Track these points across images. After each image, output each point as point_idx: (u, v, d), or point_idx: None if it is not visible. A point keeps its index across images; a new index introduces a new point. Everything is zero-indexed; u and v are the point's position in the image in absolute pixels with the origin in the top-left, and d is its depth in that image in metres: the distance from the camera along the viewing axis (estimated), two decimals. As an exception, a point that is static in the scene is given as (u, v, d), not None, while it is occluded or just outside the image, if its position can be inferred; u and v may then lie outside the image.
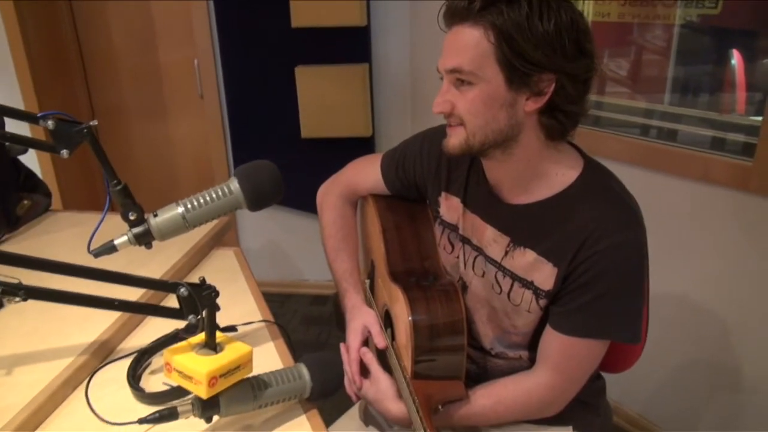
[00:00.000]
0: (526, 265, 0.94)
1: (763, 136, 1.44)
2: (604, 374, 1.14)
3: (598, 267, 0.88)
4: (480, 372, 1.07)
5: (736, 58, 1.65)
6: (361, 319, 1.12)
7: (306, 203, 2.56)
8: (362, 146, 2.50)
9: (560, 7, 0.82)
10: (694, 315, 1.70)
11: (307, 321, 2.70)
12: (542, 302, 0.94)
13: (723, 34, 1.68)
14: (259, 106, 2.59)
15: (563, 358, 0.94)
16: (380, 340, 1.06)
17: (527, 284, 0.95)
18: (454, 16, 0.87)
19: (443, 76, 0.90)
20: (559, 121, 0.88)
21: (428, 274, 1.07)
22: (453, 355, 0.95)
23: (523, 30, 0.81)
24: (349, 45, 2.40)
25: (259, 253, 2.87)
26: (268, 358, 1.01)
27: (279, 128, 2.56)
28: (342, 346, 1.11)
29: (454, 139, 0.92)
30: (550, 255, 0.91)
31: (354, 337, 1.10)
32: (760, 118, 1.51)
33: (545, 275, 0.92)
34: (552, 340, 0.94)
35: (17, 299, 0.69)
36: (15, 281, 0.71)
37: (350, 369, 1.07)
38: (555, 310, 0.93)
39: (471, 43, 0.84)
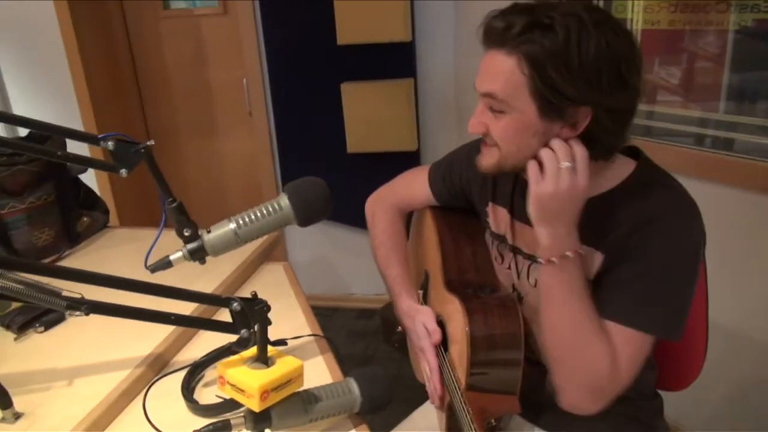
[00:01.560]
0: (585, 262, 0.91)
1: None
2: (662, 393, 1.10)
3: (647, 246, 0.85)
4: (532, 390, 1.04)
5: (795, 63, 1.59)
6: (420, 318, 1.11)
7: (352, 217, 2.60)
8: (408, 160, 2.50)
9: (602, 33, 0.79)
10: (758, 332, 1.62)
11: (353, 335, 2.71)
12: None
13: (781, 39, 1.61)
14: (306, 123, 2.63)
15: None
16: (436, 336, 1.06)
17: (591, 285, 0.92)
18: (490, 40, 0.85)
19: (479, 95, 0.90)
20: (595, 150, 0.86)
21: (485, 287, 1.06)
22: (509, 369, 0.93)
23: (557, 63, 0.79)
24: (394, 60, 2.42)
25: (306, 267, 2.90)
26: (318, 372, 1.02)
27: (325, 144, 2.60)
28: (416, 350, 1.10)
29: (487, 160, 0.92)
30: (600, 243, 0.89)
31: (424, 340, 1.08)
32: (824, 125, 1.44)
33: (596, 265, 0.90)
34: None
35: (80, 313, 0.72)
36: (78, 296, 0.74)
37: (433, 377, 1.05)
38: (596, 291, 0.90)
39: (505, 71, 0.83)
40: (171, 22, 2.81)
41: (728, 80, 1.72)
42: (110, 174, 2.71)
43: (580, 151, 0.84)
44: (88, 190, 1.65)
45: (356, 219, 2.63)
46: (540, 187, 0.85)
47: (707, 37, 1.75)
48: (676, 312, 0.89)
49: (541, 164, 0.85)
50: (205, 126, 2.95)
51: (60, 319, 1.16)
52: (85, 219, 1.57)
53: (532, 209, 0.87)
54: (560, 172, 0.83)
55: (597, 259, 0.90)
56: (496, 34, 0.84)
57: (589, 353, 0.86)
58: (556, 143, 0.84)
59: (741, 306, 1.63)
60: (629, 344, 0.87)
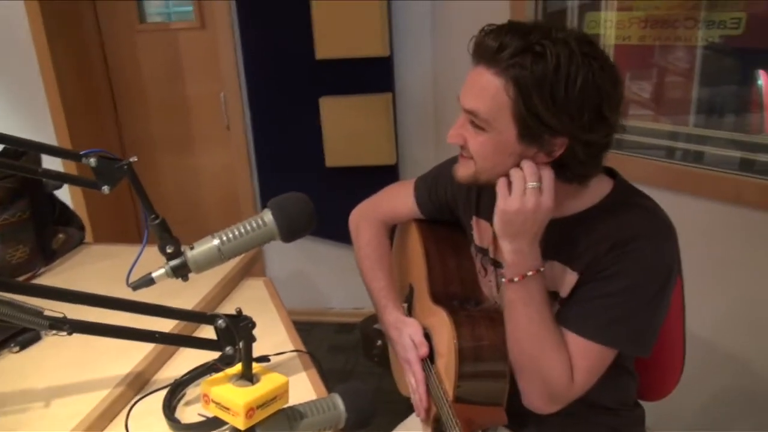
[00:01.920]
0: (552, 277, 0.94)
1: (796, 156, 1.43)
2: (643, 403, 1.12)
3: (619, 266, 0.88)
4: (516, 400, 1.05)
5: (762, 78, 1.64)
6: (407, 330, 1.11)
7: (331, 232, 2.59)
8: (387, 174, 2.51)
9: (590, 66, 0.81)
10: (731, 341, 1.66)
11: (333, 349, 2.70)
12: None
13: (747, 55, 1.67)
14: (285, 137, 2.63)
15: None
16: (423, 349, 1.07)
17: (553, 296, 0.95)
18: (481, 56, 0.87)
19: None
20: (566, 177, 0.90)
21: (470, 299, 1.07)
22: (496, 381, 0.94)
23: (543, 92, 0.81)
24: (373, 75, 2.44)
25: (285, 282, 2.88)
26: (302, 387, 1.01)
27: (304, 158, 2.60)
28: (402, 363, 1.11)
29: (463, 171, 0.95)
30: (574, 263, 0.92)
31: (411, 352, 1.09)
32: (790, 139, 1.49)
33: (568, 284, 0.93)
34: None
35: (63, 333, 0.71)
36: (60, 315, 0.73)
37: (419, 388, 1.06)
38: (565, 305, 0.94)
39: (491, 91, 0.85)
40: (147, 36, 2.79)
41: (697, 94, 1.77)
42: (84, 190, 2.69)
43: (547, 173, 0.87)
44: (64, 207, 1.62)
45: (335, 233, 2.63)
46: (506, 203, 0.88)
47: (677, 53, 1.80)
48: (641, 329, 0.92)
49: (509, 182, 0.88)
50: (182, 140, 2.93)
51: (36, 338, 1.14)
52: (61, 236, 1.55)
53: (497, 223, 0.91)
54: (526, 192, 0.86)
55: (571, 277, 0.93)
56: (488, 52, 0.85)
57: (546, 363, 0.91)
58: (526, 164, 0.87)
59: (712, 315, 1.66)
60: (587, 357, 0.91)
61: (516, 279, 0.91)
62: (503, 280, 0.93)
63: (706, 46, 1.70)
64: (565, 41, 0.81)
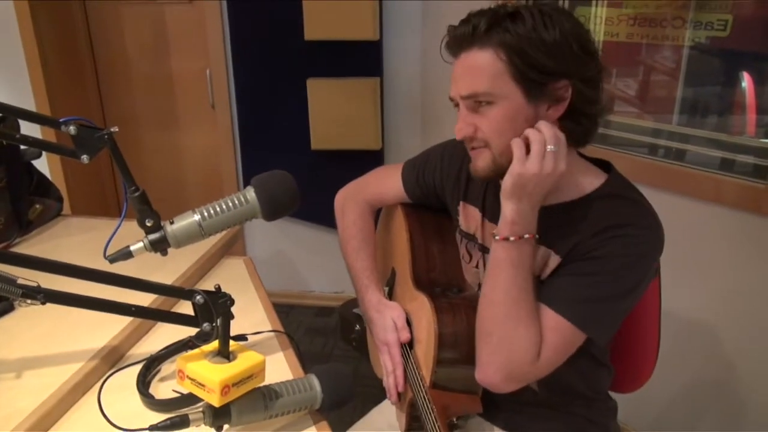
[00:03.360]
0: (540, 262, 0.94)
1: (775, 158, 1.45)
2: (614, 395, 1.14)
3: (602, 250, 0.88)
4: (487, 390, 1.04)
5: (746, 81, 1.66)
6: (389, 313, 1.11)
7: (314, 214, 2.59)
8: (371, 159, 2.51)
9: (560, 16, 0.85)
10: (703, 337, 1.69)
11: (311, 332, 2.70)
12: None
13: (732, 57, 1.68)
14: (270, 118, 2.60)
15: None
16: (405, 334, 1.07)
17: (540, 282, 0.95)
18: (460, 44, 0.88)
19: (458, 104, 0.91)
20: (582, 125, 0.90)
21: (452, 287, 1.07)
22: (473, 370, 0.93)
23: (531, 42, 0.83)
24: (361, 59, 2.42)
25: (265, 263, 2.87)
26: (278, 368, 1.01)
27: (289, 140, 2.58)
28: (378, 343, 1.10)
29: (481, 162, 0.92)
30: (558, 247, 0.92)
31: (391, 333, 1.09)
32: (771, 141, 1.52)
33: (549, 267, 0.93)
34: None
35: (36, 302, 0.70)
36: (34, 284, 0.71)
37: (396, 371, 1.06)
38: (543, 283, 0.94)
39: (483, 65, 0.86)
40: (133, 9, 2.74)
41: (682, 94, 1.79)
42: (63, 161, 2.65)
43: (562, 137, 0.86)
44: (41, 177, 1.59)
45: (317, 216, 2.63)
46: (525, 166, 0.85)
47: (663, 52, 1.81)
48: (607, 317, 0.92)
49: (527, 145, 0.86)
50: (165, 117, 2.88)
51: (8, 309, 1.12)
52: (38, 206, 1.52)
53: (508, 185, 0.87)
54: (546, 155, 0.85)
55: (553, 260, 0.93)
56: (465, 36, 0.87)
57: (517, 331, 0.88)
58: (544, 126, 0.86)
59: (688, 309, 1.70)
60: (557, 333, 0.89)
61: (512, 239, 0.88)
62: (497, 238, 0.90)
63: (692, 46, 1.72)
64: (530, 4, 0.86)
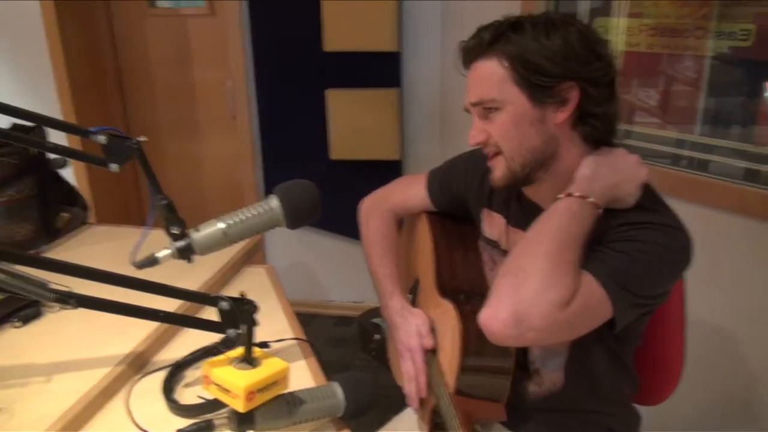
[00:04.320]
0: None
1: (800, 168, 1.43)
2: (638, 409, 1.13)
3: (638, 236, 0.86)
4: (514, 397, 1.01)
5: (769, 91, 1.64)
6: (414, 319, 1.11)
7: (333, 224, 2.60)
8: (391, 169, 2.52)
9: (566, 25, 0.88)
10: (730, 350, 1.66)
11: (331, 342, 2.70)
12: None
13: (756, 67, 1.67)
14: (290, 128, 2.63)
15: None
16: (429, 341, 1.07)
17: None
18: (469, 55, 0.93)
19: (471, 112, 0.95)
20: (594, 126, 0.91)
21: (476, 294, 1.07)
22: (498, 377, 0.93)
23: (531, 48, 0.86)
24: (381, 69, 2.44)
25: (285, 273, 2.87)
26: (301, 375, 1.02)
27: (308, 150, 2.60)
28: (401, 348, 1.10)
29: (498, 171, 0.95)
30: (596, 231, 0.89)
31: (415, 339, 1.09)
32: (796, 151, 1.50)
33: None
34: None
35: (67, 306, 0.71)
36: (66, 288, 0.73)
37: (419, 377, 1.06)
38: None
39: (488, 73, 0.90)
40: (156, 21, 2.79)
41: (704, 104, 1.77)
42: (88, 171, 2.69)
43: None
44: (69, 186, 1.63)
45: (336, 226, 2.64)
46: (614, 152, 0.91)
47: (685, 62, 1.80)
48: (635, 299, 0.87)
49: None
50: (187, 127, 2.93)
51: (37, 314, 1.14)
52: (65, 215, 1.55)
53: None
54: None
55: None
56: (473, 50, 0.92)
57: (561, 270, 0.81)
58: None
59: (713, 322, 1.67)
60: (589, 296, 0.83)
61: (576, 194, 0.86)
62: (561, 195, 0.87)
63: (714, 56, 1.70)
64: (534, 15, 0.90)
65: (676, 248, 0.89)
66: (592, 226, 0.86)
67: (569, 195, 0.87)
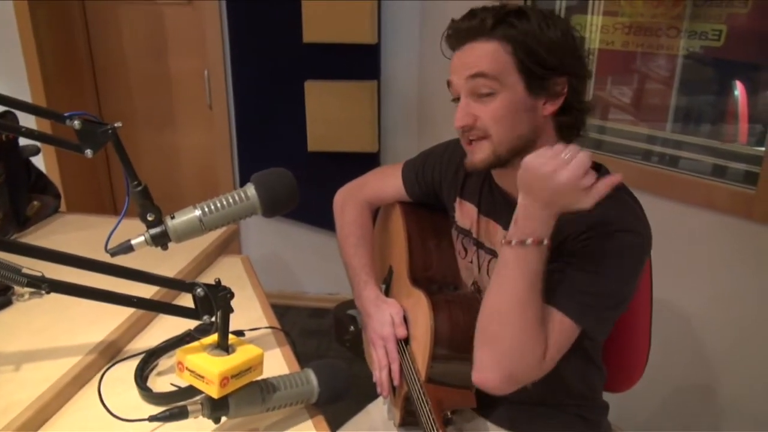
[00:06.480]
0: None
1: (766, 166, 1.47)
2: (605, 396, 1.15)
3: (596, 247, 0.88)
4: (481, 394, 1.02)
5: (739, 90, 1.69)
6: (388, 308, 1.12)
7: (309, 216, 2.60)
8: (368, 161, 2.52)
9: (557, 18, 0.91)
10: (694, 340, 1.71)
11: (306, 333, 2.70)
12: None
13: (726, 66, 1.71)
14: (267, 119, 2.61)
15: None
16: (402, 330, 1.08)
17: None
18: (466, 35, 0.91)
19: (459, 95, 0.93)
20: (575, 118, 0.93)
21: (449, 284, 1.09)
22: (468, 365, 0.93)
23: (536, 38, 0.87)
24: (359, 62, 2.44)
25: (260, 264, 2.85)
26: (275, 364, 1.02)
27: (286, 141, 2.59)
28: (374, 337, 1.11)
29: (480, 154, 0.94)
30: (553, 240, 0.90)
31: (389, 328, 1.09)
32: (762, 149, 1.54)
33: None
34: None
35: (39, 292, 0.70)
36: (38, 274, 0.72)
37: (392, 365, 1.07)
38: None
39: (489, 53, 0.89)
40: (132, 9, 2.74)
41: (676, 102, 1.81)
42: (59, 158, 2.64)
43: (586, 160, 0.81)
44: (39, 174, 1.60)
45: (313, 217, 2.64)
46: (535, 159, 0.82)
47: (658, 60, 1.84)
48: (607, 313, 0.92)
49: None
50: (162, 116, 2.89)
51: (7, 303, 1.12)
52: (36, 203, 1.52)
53: (519, 174, 0.84)
54: (561, 162, 0.80)
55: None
56: (471, 29, 0.90)
57: (528, 336, 0.85)
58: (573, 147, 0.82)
59: (679, 312, 1.72)
60: (562, 333, 0.88)
61: (514, 242, 0.84)
62: (503, 241, 0.87)
63: (686, 56, 1.74)
64: (529, 6, 0.93)
65: (636, 249, 0.91)
66: (544, 255, 0.85)
67: (509, 242, 0.85)
